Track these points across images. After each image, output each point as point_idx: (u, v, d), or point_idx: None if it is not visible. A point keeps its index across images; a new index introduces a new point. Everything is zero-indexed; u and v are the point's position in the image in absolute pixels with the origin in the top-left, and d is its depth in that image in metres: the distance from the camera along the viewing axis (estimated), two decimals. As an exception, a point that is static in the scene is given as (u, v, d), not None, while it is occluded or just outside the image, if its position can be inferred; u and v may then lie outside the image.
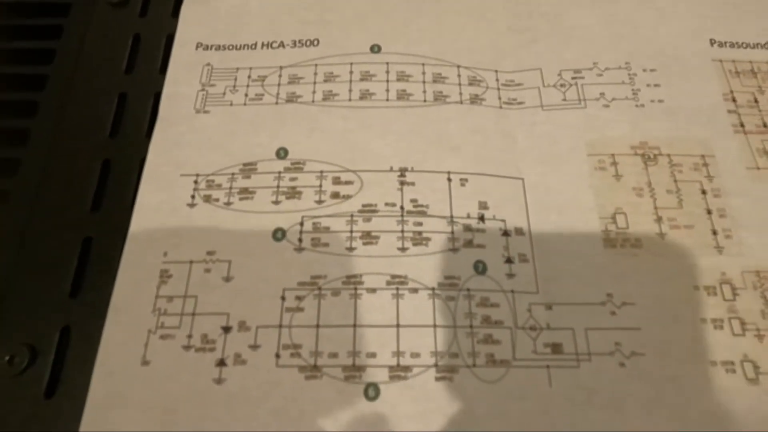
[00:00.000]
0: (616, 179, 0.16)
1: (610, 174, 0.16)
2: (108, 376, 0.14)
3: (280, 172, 0.16)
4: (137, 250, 0.15)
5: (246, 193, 0.16)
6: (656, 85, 0.18)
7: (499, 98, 0.18)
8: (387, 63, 0.18)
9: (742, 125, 0.17)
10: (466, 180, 0.16)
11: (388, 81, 0.18)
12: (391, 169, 0.16)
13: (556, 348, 0.14)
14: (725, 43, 0.19)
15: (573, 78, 0.18)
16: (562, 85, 0.18)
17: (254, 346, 0.14)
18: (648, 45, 0.18)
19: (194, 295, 0.14)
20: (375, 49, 0.18)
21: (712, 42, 0.19)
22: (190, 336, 0.14)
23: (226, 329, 0.14)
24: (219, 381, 0.13)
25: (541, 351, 0.14)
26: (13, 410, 0.13)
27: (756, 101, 0.17)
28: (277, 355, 0.14)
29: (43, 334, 0.14)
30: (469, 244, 0.15)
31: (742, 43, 0.19)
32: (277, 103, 0.18)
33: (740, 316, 0.14)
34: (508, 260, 0.15)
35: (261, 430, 0.13)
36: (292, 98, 0.18)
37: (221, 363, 0.14)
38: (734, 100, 0.18)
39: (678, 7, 0.19)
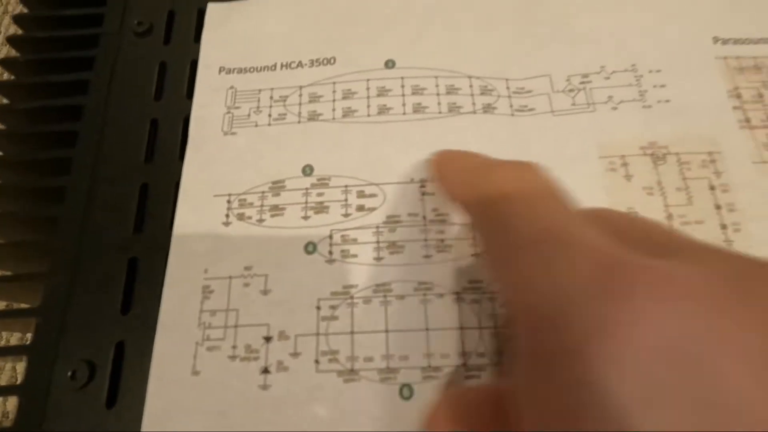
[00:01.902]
0: (627, 179, 0.17)
1: (621, 175, 0.17)
2: (162, 386, 0.15)
3: (307, 189, 0.17)
4: (179, 268, 0.16)
5: (277, 210, 0.17)
6: (662, 86, 0.18)
7: (511, 106, 0.18)
8: (402, 77, 0.19)
9: (747, 120, 0.18)
10: (484, 187, 0.17)
11: (403, 95, 0.19)
12: (412, 181, 0.17)
13: (577, 343, 0.15)
14: (728, 40, 0.19)
15: (581, 83, 0.19)
16: (570, 90, 0.19)
17: (295, 354, 0.15)
18: (653, 47, 0.19)
19: (235, 308, 0.16)
20: (389, 64, 0.19)
21: (715, 40, 0.19)
22: (234, 347, 0.15)
23: (268, 339, 0.15)
24: (264, 387, 0.15)
25: (562, 347, 0.15)
26: (79, 421, 0.15)
27: (761, 96, 0.18)
28: (317, 361, 0.15)
29: (100, 350, 0.16)
30: (489, 248, 0.16)
31: (745, 39, 0.19)
32: (299, 121, 0.19)
33: (751, 306, 0.15)
34: (527, 262, 0.16)
35: (306, 430, 0.14)
36: (313, 116, 0.19)
37: (265, 370, 0.15)
38: (739, 96, 0.18)
39: (680, 8, 0.20)
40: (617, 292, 0.08)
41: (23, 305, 0.17)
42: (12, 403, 0.30)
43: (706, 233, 0.16)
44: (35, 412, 0.15)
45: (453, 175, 0.14)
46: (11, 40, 0.21)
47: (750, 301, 0.08)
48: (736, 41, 0.19)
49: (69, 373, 0.15)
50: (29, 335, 0.16)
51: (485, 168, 0.13)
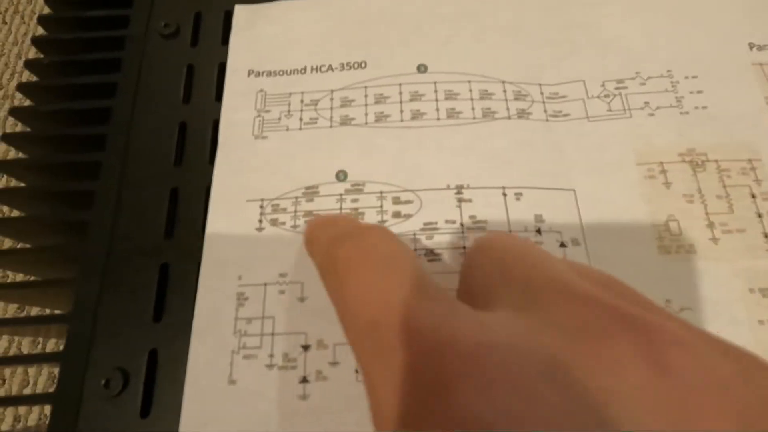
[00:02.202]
0: (666, 187, 0.17)
1: (660, 182, 0.17)
2: (198, 395, 0.14)
3: (341, 194, 0.17)
4: (213, 274, 0.16)
5: (311, 216, 0.17)
6: (699, 92, 0.18)
7: (545, 111, 0.18)
8: (434, 82, 0.19)
9: (786, 128, 0.17)
10: (521, 194, 0.17)
11: (437, 100, 0.18)
12: (448, 187, 0.17)
13: (620, 354, 0.14)
14: (764, 46, 0.19)
15: (616, 88, 0.18)
16: (606, 96, 0.18)
17: (334, 363, 0.15)
18: (688, 52, 0.19)
19: (272, 315, 0.15)
20: (422, 69, 0.19)
21: (750, 46, 0.19)
22: (271, 355, 0.15)
23: (306, 347, 0.15)
24: (304, 397, 0.14)
25: (605, 357, 0.14)
26: (113, 429, 0.14)
27: (798, 103, 0.18)
28: (356, 371, 0.14)
29: (132, 358, 0.15)
30: (528, 256, 0.16)
31: (781, 45, 0.19)
32: (331, 126, 0.18)
33: (796, 316, 0.15)
34: (567, 271, 0.16)
35: (347, 441, 0.14)
36: (345, 121, 0.18)
37: (304, 380, 0.14)
38: (777, 103, 0.18)
39: (713, 13, 0.20)
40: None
41: (55, 311, 0.16)
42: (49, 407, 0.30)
43: (749, 241, 0.16)
44: (68, 420, 0.15)
45: (317, 241, 0.14)
46: (35, 41, 0.21)
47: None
48: (772, 47, 0.19)
49: (102, 382, 0.15)
50: (62, 345, 0.16)
51: (343, 236, 0.12)
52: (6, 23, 0.52)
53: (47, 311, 0.17)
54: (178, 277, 0.16)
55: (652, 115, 0.18)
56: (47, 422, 0.15)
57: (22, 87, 0.20)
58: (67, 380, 0.15)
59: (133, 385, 0.15)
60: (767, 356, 0.14)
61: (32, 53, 0.44)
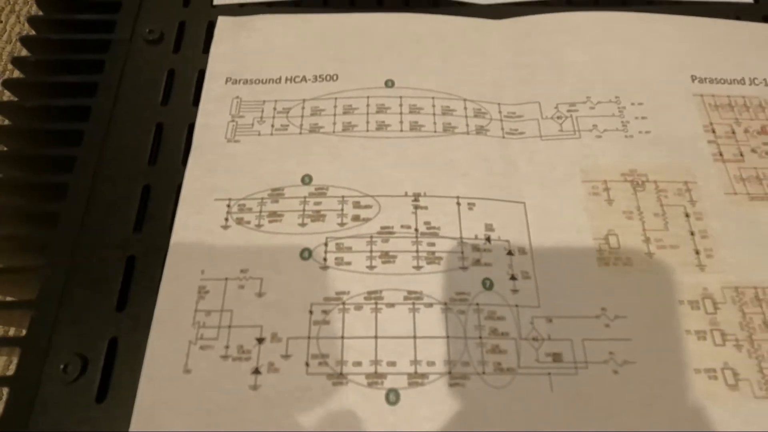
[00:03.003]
0: (609, 203, 0.18)
1: (603, 198, 0.18)
2: (153, 383, 0.15)
3: (305, 197, 0.18)
4: (177, 268, 0.17)
5: (275, 216, 0.18)
6: (643, 118, 0.20)
7: (502, 129, 0.20)
8: (400, 97, 0.20)
9: (721, 154, 0.19)
10: (474, 204, 0.18)
11: (401, 113, 0.20)
12: (406, 194, 0.18)
13: (557, 357, 0.15)
14: (705, 78, 0.21)
15: (568, 111, 0.20)
16: (558, 117, 0.20)
17: (286, 356, 0.15)
18: (635, 81, 0.20)
19: (230, 309, 0.16)
20: (389, 84, 0.20)
21: (693, 78, 0.21)
22: (227, 347, 0.15)
23: (260, 340, 0.16)
24: (255, 387, 0.15)
25: (543, 360, 0.15)
26: (68, 413, 0.15)
27: (733, 132, 0.19)
28: (307, 364, 0.15)
29: (93, 345, 0.16)
30: (477, 262, 0.17)
31: (720, 79, 0.21)
32: (300, 133, 0.19)
33: (721, 327, 0.16)
34: (513, 277, 0.17)
35: (293, 430, 0.14)
36: (314, 129, 0.19)
37: (256, 371, 0.15)
38: (713, 131, 0.19)
39: (661, 46, 0.21)
40: None
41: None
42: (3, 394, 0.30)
43: (681, 257, 0.17)
44: (25, 403, 0.15)
45: None
46: (24, 40, 0.22)
47: None
48: (712, 80, 0.20)
49: (61, 366, 0.15)
50: (24, 331, 0.16)
51: None
52: (1, 22, 0.53)
53: (7, 300, 0.17)
54: (143, 269, 0.17)
55: (599, 137, 0.19)
56: (3, 405, 0.15)
57: (7, 83, 0.21)
58: (27, 364, 0.16)
59: (91, 371, 0.15)
60: (692, 363, 0.16)
61: (24, 53, 0.45)
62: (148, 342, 0.16)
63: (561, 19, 0.22)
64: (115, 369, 0.16)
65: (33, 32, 0.23)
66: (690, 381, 0.15)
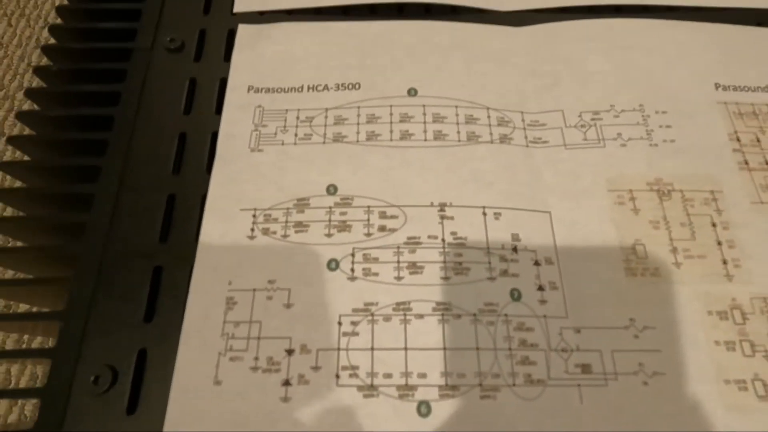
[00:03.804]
0: (635, 213, 0.18)
1: (629, 208, 0.18)
2: (184, 395, 0.15)
3: (331, 207, 0.18)
4: (204, 278, 0.17)
5: (301, 226, 0.18)
6: (668, 126, 0.19)
7: (526, 137, 0.19)
8: (423, 105, 0.20)
9: (746, 163, 0.19)
10: (500, 214, 0.18)
11: (425, 122, 0.20)
12: (432, 205, 0.18)
13: (586, 368, 0.15)
14: (729, 86, 0.20)
15: (592, 119, 0.20)
16: (582, 126, 0.20)
17: (315, 368, 0.15)
18: (659, 89, 0.20)
19: (258, 320, 0.16)
20: (412, 92, 0.20)
21: (716, 86, 0.20)
22: (256, 358, 0.15)
23: (290, 352, 0.16)
24: (285, 399, 0.15)
25: (572, 371, 0.15)
26: (100, 426, 0.15)
27: (758, 141, 0.19)
28: (337, 376, 0.15)
29: (122, 356, 0.16)
30: (504, 273, 0.17)
31: (744, 87, 0.20)
32: (324, 142, 0.19)
33: (750, 338, 0.16)
34: (540, 288, 0.17)
35: (325, 443, 0.14)
36: (338, 138, 0.19)
37: (286, 383, 0.15)
38: (738, 139, 0.19)
39: (685, 54, 0.21)
40: None
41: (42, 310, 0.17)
42: (30, 406, 0.30)
43: (709, 267, 0.17)
44: (56, 415, 0.15)
45: None
46: (45, 49, 0.22)
47: None
48: (736, 88, 0.20)
49: (92, 378, 0.15)
50: (51, 341, 0.16)
51: None
52: (11, 26, 0.53)
53: (34, 309, 0.17)
54: (170, 280, 0.17)
55: (624, 145, 0.19)
56: (36, 418, 0.15)
57: (29, 92, 0.21)
58: (57, 376, 0.16)
59: (121, 382, 0.15)
60: (720, 375, 0.16)
61: (35, 56, 0.45)
62: (177, 353, 0.16)
63: (583, 27, 0.22)
64: (144, 381, 0.16)
65: (52, 40, 0.23)
66: (720, 392, 0.15)
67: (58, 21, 0.23)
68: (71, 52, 0.22)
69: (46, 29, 0.22)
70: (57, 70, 0.21)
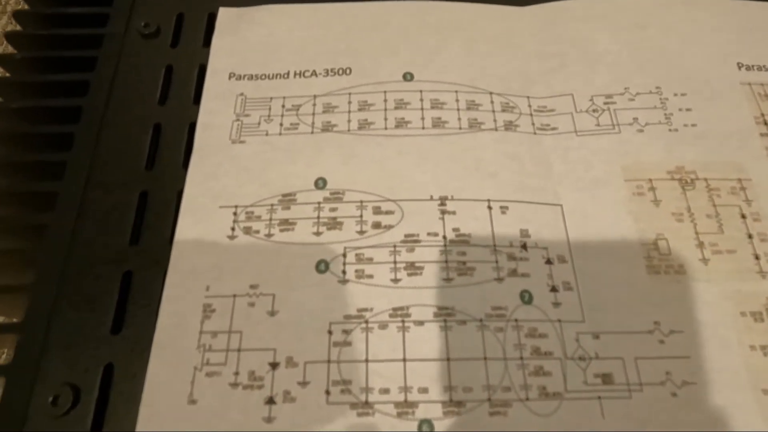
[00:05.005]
0: (655, 204, 0.16)
1: (649, 199, 0.16)
2: (155, 416, 0.13)
3: (319, 203, 0.16)
4: (179, 284, 0.15)
5: (286, 224, 0.16)
6: (688, 110, 0.18)
7: (533, 124, 0.18)
8: (420, 91, 0.18)
9: (775, 148, 0.17)
10: (507, 207, 0.16)
11: (422, 109, 0.18)
12: (431, 198, 0.16)
13: (607, 378, 0.14)
14: (753, 66, 0.19)
15: (605, 103, 0.18)
16: (594, 111, 0.18)
17: (303, 383, 0.14)
18: (677, 70, 0.19)
19: (239, 330, 0.14)
20: (408, 77, 0.19)
21: (739, 66, 0.19)
22: (236, 373, 0.14)
23: (274, 365, 0.14)
24: (269, 420, 0.13)
25: (591, 382, 0.14)
26: (58, 453, 0.13)
27: (787, 124, 0.18)
28: (327, 392, 0.13)
29: (85, 373, 0.14)
30: (513, 273, 0.15)
31: (769, 67, 0.19)
32: (312, 132, 0.18)
33: (789, 342, 0.14)
34: (553, 289, 0.15)
35: (314, 469, 0.13)
36: (327, 127, 0.18)
37: (270, 401, 0.13)
38: (766, 123, 0.18)
39: (703, 32, 0.19)
40: None
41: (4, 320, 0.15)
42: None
43: (739, 263, 0.15)
44: (9, 442, 0.13)
45: None
46: (9, 36, 0.20)
47: None
48: (761, 68, 0.19)
49: (50, 398, 0.14)
50: (5, 355, 0.14)
51: None
52: (-9, 23, 0.51)
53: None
54: (141, 286, 0.15)
55: (641, 131, 0.17)
56: (-14, 443, 0.13)
57: (-10, 82, 0.19)
58: (12, 396, 0.14)
59: (84, 403, 0.14)
60: (758, 384, 0.14)
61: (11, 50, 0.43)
62: (148, 369, 0.14)
63: (590, 5, 0.20)
64: (110, 400, 0.14)
65: (17, 27, 0.21)
66: (758, 402, 0.14)
67: (24, 6, 0.21)
68: (37, 39, 0.20)
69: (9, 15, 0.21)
70: (21, 59, 0.20)
